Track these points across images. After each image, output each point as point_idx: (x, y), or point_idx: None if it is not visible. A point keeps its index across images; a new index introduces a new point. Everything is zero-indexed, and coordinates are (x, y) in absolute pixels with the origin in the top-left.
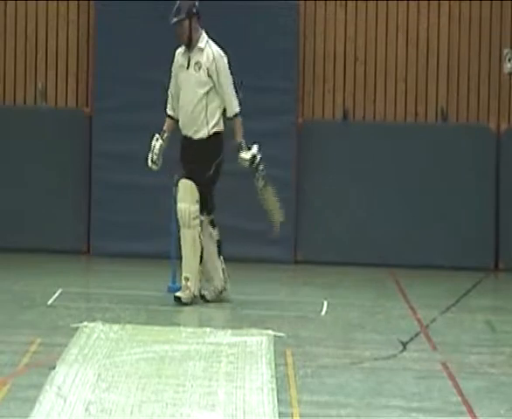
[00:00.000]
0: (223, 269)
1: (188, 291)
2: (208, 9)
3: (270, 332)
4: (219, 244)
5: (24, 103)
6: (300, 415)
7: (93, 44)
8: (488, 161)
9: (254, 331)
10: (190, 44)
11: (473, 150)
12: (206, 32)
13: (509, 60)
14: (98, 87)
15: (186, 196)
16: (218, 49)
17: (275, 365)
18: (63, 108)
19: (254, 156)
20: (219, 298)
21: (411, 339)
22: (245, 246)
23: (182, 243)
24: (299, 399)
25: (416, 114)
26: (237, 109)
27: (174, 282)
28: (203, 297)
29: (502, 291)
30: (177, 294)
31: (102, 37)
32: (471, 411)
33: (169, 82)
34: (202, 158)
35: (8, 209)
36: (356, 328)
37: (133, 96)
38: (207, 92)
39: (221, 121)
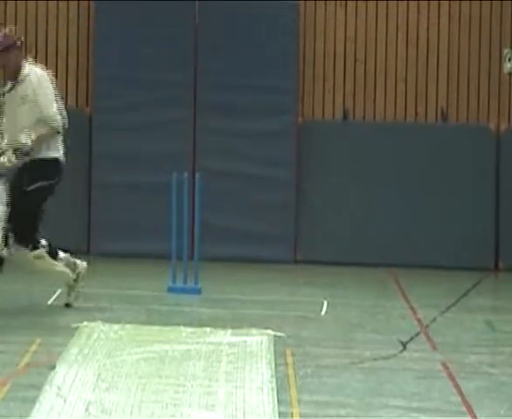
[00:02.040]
0: None
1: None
2: (208, 9)
3: (270, 332)
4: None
5: None
6: (301, 415)
7: (93, 44)
8: (488, 161)
9: (254, 331)
10: (17, 77)
11: (473, 150)
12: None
13: (509, 60)
14: (98, 87)
15: None
16: (40, 71)
17: (275, 365)
18: None
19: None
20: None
21: (412, 339)
22: (245, 246)
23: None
24: (299, 399)
25: (416, 114)
26: (55, 123)
27: (174, 282)
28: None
29: (502, 291)
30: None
31: (102, 37)
32: (471, 411)
33: None
34: (25, 175)
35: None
36: (356, 328)
37: (133, 96)
38: (38, 124)
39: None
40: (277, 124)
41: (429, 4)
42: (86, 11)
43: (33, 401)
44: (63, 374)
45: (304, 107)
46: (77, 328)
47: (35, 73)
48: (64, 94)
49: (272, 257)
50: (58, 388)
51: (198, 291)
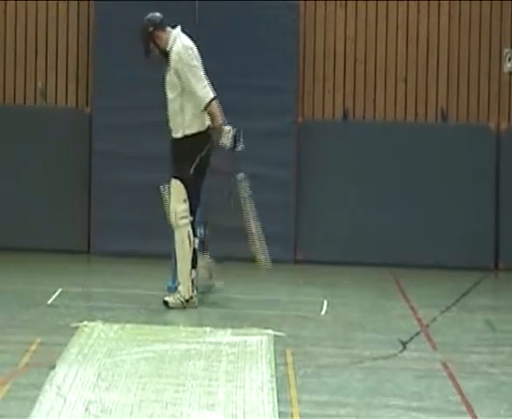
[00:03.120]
0: (192, 280)
1: (178, 295)
2: (208, 9)
3: (270, 331)
4: (194, 253)
5: (24, 103)
6: (300, 415)
7: (93, 44)
8: (488, 161)
9: (254, 330)
10: (165, 54)
11: (473, 150)
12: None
13: (509, 60)
14: (98, 87)
15: (173, 196)
16: (184, 41)
17: (275, 364)
18: (63, 108)
19: (235, 134)
20: (182, 307)
21: (412, 338)
22: (245, 246)
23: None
24: (299, 398)
25: (416, 114)
26: (207, 99)
27: (173, 281)
28: (165, 303)
29: (502, 290)
30: (165, 298)
31: (102, 37)
32: (471, 411)
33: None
34: (180, 158)
35: (8, 209)
36: (356, 328)
37: (133, 96)
38: (180, 94)
39: (199, 121)
40: (277, 124)
41: (429, 4)
42: (86, 11)
43: (33, 400)
44: (63, 373)
45: (304, 107)
46: (77, 328)
47: (177, 43)
48: (64, 94)
49: (272, 257)
50: (58, 387)
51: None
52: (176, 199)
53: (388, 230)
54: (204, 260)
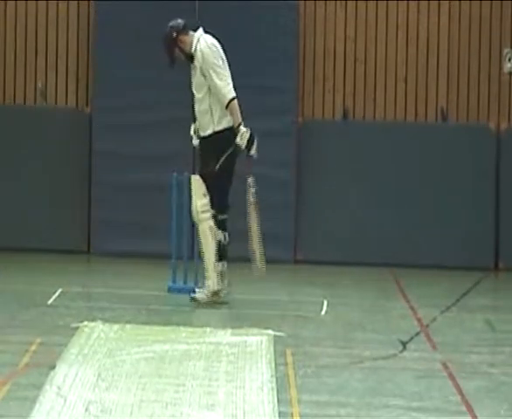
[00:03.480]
0: (221, 272)
1: (206, 290)
2: (208, 9)
3: (270, 331)
4: (219, 246)
5: (24, 103)
6: (300, 415)
7: (93, 44)
8: (488, 161)
9: (254, 330)
10: (190, 57)
11: (473, 150)
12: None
13: (509, 60)
14: (98, 87)
15: (193, 192)
16: (208, 40)
17: (275, 364)
18: (63, 108)
19: (251, 135)
20: (211, 301)
21: (412, 338)
22: (245, 246)
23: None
24: (299, 398)
25: (416, 114)
26: (229, 96)
27: (174, 281)
28: (193, 299)
29: (502, 290)
30: (193, 294)
31: (102, 37)
32: (471, 411)
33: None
34: (207, 154)
35: (8, 209)
36: (356, 328)
37: (133, 96)
38: (208, 93)
39: (228, 118)
40: (277, 124)
41: (429, 4)
42: (86, 11)
43: (33, 400)
44: (63, 373)
45: (304, 107)
46: (77, 328)
47: (201, 43)
48: (64, 94)
49: (272, 257)
50: (59, 387)
51: None
52: (197, 194)
53: (388, 230)
54: (223, 267)
